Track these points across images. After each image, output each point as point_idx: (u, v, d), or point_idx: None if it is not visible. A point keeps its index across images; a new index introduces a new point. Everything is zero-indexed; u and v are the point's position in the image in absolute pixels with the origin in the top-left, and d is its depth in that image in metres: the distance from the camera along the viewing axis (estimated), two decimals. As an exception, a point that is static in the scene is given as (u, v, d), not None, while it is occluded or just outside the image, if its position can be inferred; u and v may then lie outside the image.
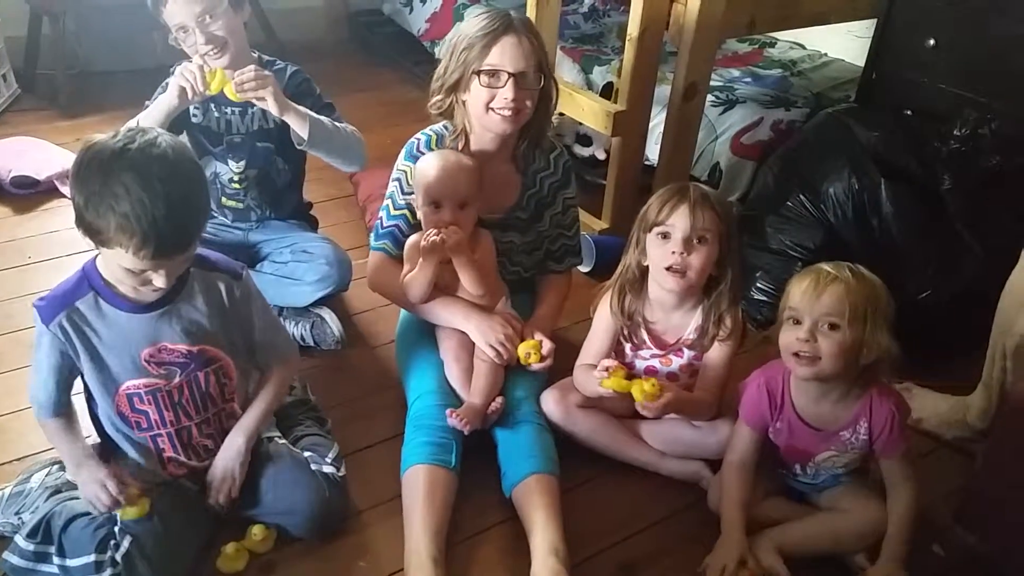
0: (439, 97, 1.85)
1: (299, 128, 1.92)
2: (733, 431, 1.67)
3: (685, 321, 1.75)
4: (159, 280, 1.33)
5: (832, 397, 1.56)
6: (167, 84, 1.93)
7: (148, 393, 1.45)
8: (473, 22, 1.80)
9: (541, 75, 1.80)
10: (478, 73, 1.76)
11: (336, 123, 2.02)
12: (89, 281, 1.40)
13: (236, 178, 2.10)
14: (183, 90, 1.84)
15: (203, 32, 1.88)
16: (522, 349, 1.78)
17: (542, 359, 1.78)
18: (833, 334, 1.47)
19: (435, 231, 1.72)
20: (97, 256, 1.41)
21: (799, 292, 1.50)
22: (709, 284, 1.71)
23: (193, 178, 1.34)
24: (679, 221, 1.63)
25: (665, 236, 1.66)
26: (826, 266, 1.51)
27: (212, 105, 2.02)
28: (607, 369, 1.65)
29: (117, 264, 1.32)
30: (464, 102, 1.82)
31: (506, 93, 1.75)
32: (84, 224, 1.28)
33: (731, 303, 1.71)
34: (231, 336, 1.52)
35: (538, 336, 1.80)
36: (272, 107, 1.87)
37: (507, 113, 1.77)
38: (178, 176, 1.29)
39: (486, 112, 1.78)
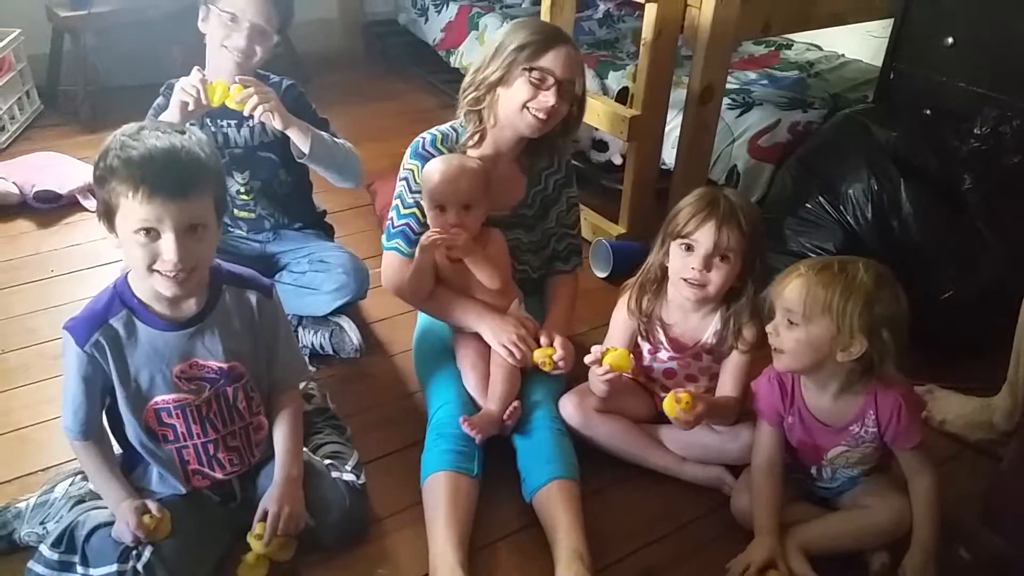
0: (477, 94, 1.84)
1: (300, 142, 1.94)
2: (755, 433, 1.65)
3: (704, 325, 1.74)
4: (168, 249, 1.30)
5: (831, 390, 1.55)
6: (158, 105, 1.97)
7: (177, 408, 1.46)
8: (526, 24, 1.83)
9: (578, 92, 1.84)
10: (529, 70, 1.77)
11: (335, 139, 2.05)
12: (122, 299, 1.41)
13: (243, 189, 2.12)
14: (184, 105, 1.85)
15: (251, 36, 1.92)
16: (538, 355, 1.78)
17: (555, 366, 1.77)
18: (794, 328, 1.48)
19: (437, 231, 1.74)
20: (128, 273, 1.42)
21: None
22: (729, 293, 1.70)
23: (203, 146, 1.36)
24: (703, 238, 1.62)
25: (689, 248, 1.65)
26: (808, 262, 1.53)
27: (207, 120, 2.03)
28: (599, 362, 1.64)
29: (129, 233, 1.31)
30: (497, 99, 1.83)
31: (550, 97, 1.77)
32: (99, 199, 1.32)
33: (751, 315, 1.70)
34: (258, 352, 1.53)
35: (556, 340, 1.80)
36: (277, 122, 1.89)
37: (542, 116, 1.79)
38: (189, 138, 1.35)
39: (521, 110, 1.80)
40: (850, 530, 1.59)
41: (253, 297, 1.50)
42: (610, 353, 1.63)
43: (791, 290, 1.48)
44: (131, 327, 1.41)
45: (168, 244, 1.31)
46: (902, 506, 1.55)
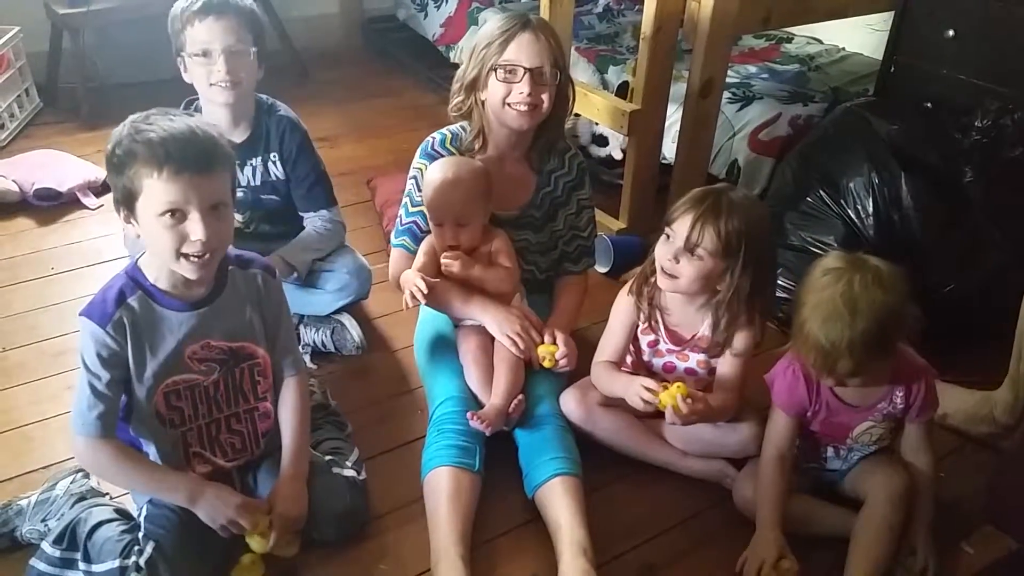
0: (460, 98, 1.89)
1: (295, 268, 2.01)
2: (768, 425, 1.64)
3: (699, 317, 1.74)
4: (196, 229, 1.32)
5: None
6: None
7: (187, 389, 1.47)
8: (492, 22, 1.84)
9: (557, 72, 1.82)
10: (495, 68, 1.79)
11: (319, 231, 2.10)
12: (135, 281, 1.42)
13: (240, 225, 2.06)
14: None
15: (228, 61, 1.89)
16: (541, 350, 1.78)
17: (557, 364, 1.78)
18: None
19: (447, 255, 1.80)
20: (138, 259, 1.43)
21: (825, 325, 1.43)
22: (714, 296, 1.69)
23: (212, 127, 1.39)
24: (679, 228, 1.63)
25: (668, 237, 1.66)
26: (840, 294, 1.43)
27: None
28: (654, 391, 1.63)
29: (153, 216, 1.31)
30: (483, 102, 1.85)
31: (522, 88, 1.78)
32: (118, 187, 1.32)
33: (748, 324, 1.69)
34: (267, 332, 1.54)
35: (559, 339, 1.80)
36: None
37: (523, 108, 1.80)
38: (199, 119, 1.38)
39: (503, 108, 1.81)
40: (879, 539, 1.55)
41: (259, 276, 1.53)
42: (666, 392, 1.61)
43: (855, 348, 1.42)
44: (147, 307, 1.41)
45: (196, 224, 1.32)
46: (901, 476, 1.58)
